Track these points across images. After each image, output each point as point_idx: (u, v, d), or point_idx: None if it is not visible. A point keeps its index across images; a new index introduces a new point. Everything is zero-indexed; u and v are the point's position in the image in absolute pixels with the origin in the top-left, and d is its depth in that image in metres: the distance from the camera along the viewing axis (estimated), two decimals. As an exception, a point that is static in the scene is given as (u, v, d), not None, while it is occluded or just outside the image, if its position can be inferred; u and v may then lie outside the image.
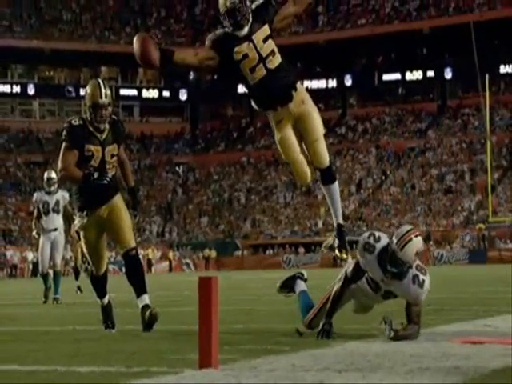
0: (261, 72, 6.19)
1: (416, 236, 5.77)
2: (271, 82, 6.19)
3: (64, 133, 7.01)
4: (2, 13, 59.17)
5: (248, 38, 6.15)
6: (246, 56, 6.15)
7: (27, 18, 60.04)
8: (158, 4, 64.56)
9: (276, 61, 6.22)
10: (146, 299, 6.87)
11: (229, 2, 6.09)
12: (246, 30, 6.14)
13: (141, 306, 6.86)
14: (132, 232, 7.19)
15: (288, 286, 6.74)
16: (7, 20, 59.13)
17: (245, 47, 6.14)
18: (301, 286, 6.66)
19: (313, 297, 6.60)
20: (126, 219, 7.11)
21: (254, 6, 6.19)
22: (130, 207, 7.28)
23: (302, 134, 6.35)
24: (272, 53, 6.20)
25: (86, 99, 7.00)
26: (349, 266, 6.17)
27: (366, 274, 6.01)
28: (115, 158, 7.11)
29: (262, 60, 6.18)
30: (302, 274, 6.75)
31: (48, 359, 5.21)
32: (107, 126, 7.03)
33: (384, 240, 5.87)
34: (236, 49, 6.13)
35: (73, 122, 7.06)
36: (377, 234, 5.98)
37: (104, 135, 7.02)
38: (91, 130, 6.98)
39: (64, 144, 7.00)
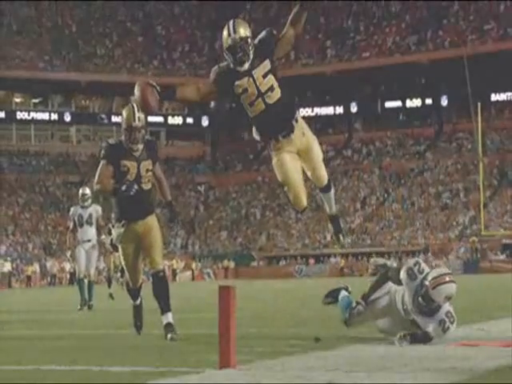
0: (259, 106, 5.88)
1: (451, 281, 5.56)
2: (270, 115, 5.88)
3: (102, 151, 7.00)
4: (43, 49, 59.64)
5: (248, 73, 5.83)
6: (245, 90, 5.85)
7: (66, 53, 60.44)
8: (182, 40, 64.88)
9: (275, 96, 5.88)
10: (169, 317, 6.83)
11: (230, 39, 5.77)
12: (246, 65, 5.81)
13: (164, 322, 6.82)
14: (162, 253, 7.11)
15: (332, 296, 6.56)
16: (48, 55, 59.55)
17: (245, 82, 5.84)
18: (344, 294, 6.49)
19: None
20: (158, 240, 7.03)
21: (256, 41, 5.86)
22: (167, 220, 7.22)
23: (302, 161, 6.08)
24: (271, 88, 5.86)
25: (122, 122, 7.00)
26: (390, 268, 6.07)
27: (402, 291, 5.83)
28: (150, 173, 7.04)
29: (261, 95, 5.86)
30: (347, 287, 6.55)
31: (82, 360, 5.19)
32: (140, 146, 6.98)
33: (426, 274, 5.65)
34: (237, 83, 5.84)
35: (110, 141, 7.10)
36: (422, 265, 5.75)
37: (139, 152, 6.99)
38: (127, 148, 6.96)
39: (102, 162, 6.98)
